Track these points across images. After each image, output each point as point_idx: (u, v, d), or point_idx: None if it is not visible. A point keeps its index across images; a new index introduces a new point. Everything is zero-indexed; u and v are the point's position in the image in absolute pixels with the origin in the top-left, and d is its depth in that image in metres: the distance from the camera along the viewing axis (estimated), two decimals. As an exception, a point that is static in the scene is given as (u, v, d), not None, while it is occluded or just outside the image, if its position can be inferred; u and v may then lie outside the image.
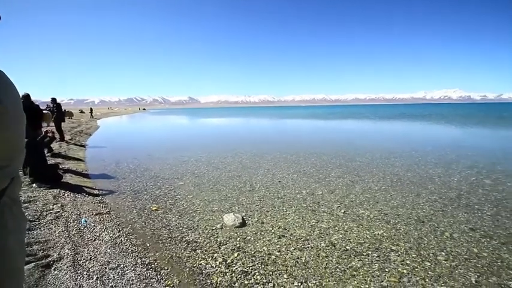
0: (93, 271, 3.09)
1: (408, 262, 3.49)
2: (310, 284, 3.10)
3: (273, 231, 4.45)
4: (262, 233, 4.36)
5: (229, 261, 3.58)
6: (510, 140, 14.85)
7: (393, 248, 3.84)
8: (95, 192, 6.27)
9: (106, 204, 5.53)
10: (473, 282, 3.08)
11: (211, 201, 5.83)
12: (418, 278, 3.16)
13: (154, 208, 5.40)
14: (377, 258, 3.59)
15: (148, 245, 3.97)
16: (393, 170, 8.18)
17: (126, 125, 33.30)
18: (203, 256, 3.68)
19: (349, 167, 8.78)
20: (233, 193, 6.36)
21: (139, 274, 3.16)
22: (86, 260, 3.32)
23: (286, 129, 25.00)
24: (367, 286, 3.05)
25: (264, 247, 3.93)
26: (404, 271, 3.30)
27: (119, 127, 29.84)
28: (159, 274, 3.22)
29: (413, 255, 3.63)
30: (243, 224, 4.69)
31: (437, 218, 4.81)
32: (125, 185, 6.98)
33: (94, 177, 7.65)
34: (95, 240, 3.89)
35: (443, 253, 3.68)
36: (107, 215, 4.95)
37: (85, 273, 3.05)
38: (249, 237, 4.23)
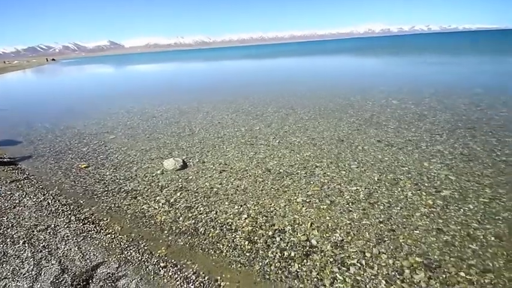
0: (18, 236, 2.83)
1: (329, 173, 4.08)
2: (248, 205, 3.43)
3: (214, 168, 4.59)
4: (204, 171, 4.48)
5: (172, 200, 3.66)
6: (417, 67, 17.11)
7: (317, 164, 4.40)
8: (5, 160, 5.36)
9: (22, 170, 4.83)
10: (376, 180, 3.81)
11: (149, 150, 5.58)
12: (335, 184, 3.76)
13: (83, 166, 4.94)
14: (304, 175, 4.09)
15: (81, 201, 3.74)
16: (321, 101, 8.84)
17: (33, 81, 27.50)
18: (145, 201, 3.67)
19: (283, 101, 9.14)
20: (172, 139, 6.16)
21: (74, 230, 3.02)
22: (7, 228, 2.99)
23: (224, 72, 24.05)
24: (296, 197, 3.52)
25: (206, 183, 4.08)
26: (326, 181, 3.88)
27: (25, 84, 24.51)
28: (98, 225, 3.14)
29: (333, 168, 4.24)
30: (184, 166, 4.69)
31: (353, 136, 5.56)
32: (43, 147, 6.10)
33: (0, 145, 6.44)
34: (14, 207, 3.47)
35: (355, 162, 4.37)
36: (26, 180, 4.37)
37: (8, 240, 2.78)
38: (191, 177, 4.31)
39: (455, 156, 4.25)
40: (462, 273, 2.23)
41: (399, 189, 3.52)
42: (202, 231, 2.99)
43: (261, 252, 2.64)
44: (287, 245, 2.70)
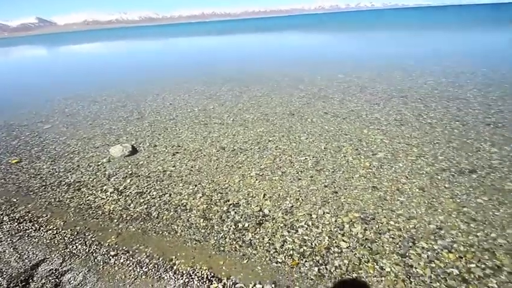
0: None
1: (281, 146, 4.21)
2: (203, 184, 3.41)
3: (166, 151, 4.41)
4: (156, 155, 4.27)
5: (121, 188, 3.45)
6: (360, 42, 18.02)
7: (270, 139, 4.50)
8: None
9: None
10: (323, 148, 4.05)
11: (92, 137, 5.11)
12: (286, 156, 3.91)
13: (14, 161, 4.35)
14: (258, 150, 4.16)
15: (15, 200, 3.32)
16: (274, 77, 8.89)
17: None
18: (90, 192, 3.40)
19: (238, 79, 8.98)
20: (118, 124, 5.70)
21: (8, 230, 2.70)
22: None
23: (174, 51, 22.58)
24: (249, 172, 3.59)
25: (158, 167, 3.92)
26: (278, 153, 4.00)
27: None
28: (37, 223, 2.84)
29: (285, 141, 4.39)
30: (133, 151, 4.41)
31: (304, 109, 5.76)
32: (-41, 143, 5.18)
33: None
34: None
35: (305, 134, 4.57)
36: None
37: None
38: (142, 162, 4.09)
39: (389, 122, 4.69)
40: (392, 222, 2.54)
41: (342, 155, 3.80)
42: (156, 215, 2.91)
43: (216, 227, 2.67)
44: (241, 217, 2.77)
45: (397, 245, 2.29)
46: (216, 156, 4.10)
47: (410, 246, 2.26)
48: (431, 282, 1.95)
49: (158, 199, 3.19)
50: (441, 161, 3.42)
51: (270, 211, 2.84)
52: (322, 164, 3.64)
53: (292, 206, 2.88)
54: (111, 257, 2.37)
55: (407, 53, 11.80)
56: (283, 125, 5.03)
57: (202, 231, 2.64)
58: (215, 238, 2.53)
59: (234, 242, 2.45)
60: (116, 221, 2.88)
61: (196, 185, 3.40)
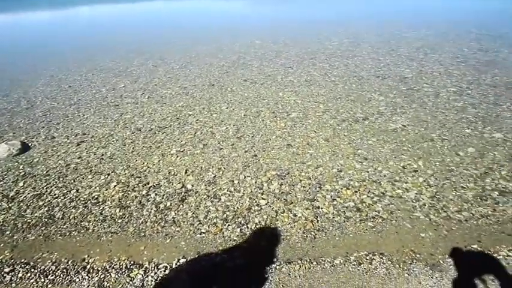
0: None
1: (201, 119, 4.06)
2: (118, 171, 3.07)
3: (69, 141, 3.76)
4: (55, 148, 3.61)
5: (12, 194, 2.84)
6: (274, 7, 18.09)
7: (190, 113, 4.28)
8: None
9: None
10: (243, 116, 4.07)
11: (-39, 139, 3.97)
12: (207, 128, 3.81)
13: None
14: (177, 126, 3.93)
15: None
16: (192, 47, 8.29)
17: None
18: (-35, 206, 2.70)
19: (151, 52, 8.07)
20: (1, 119, 4.56)
21: None
22: None
23: (66, 21, 18.68)
24: (169, 150, 3.39)
25: (59, 161, 3.34)
26: (198, 127, 3.86)
27: None
28: None
29: (205, 113, 4.24)
30: (24, 149, 3.63)
31: (223, 79, 5.61)
32: None
33: None
34: None
35: (225, 104, 4.50)
36: None
37: None
38: (37, 159, 3.41)
39: (301, 83, 4.98)
40: (303, 173, 2.80)
41: (261, 119, 3.91)
42: (61, 216, 2.52)
43: (135, 214, 2.48)
44: (163, 198, 2.64)
45: (307, 192, 2.55)
46: (130, 139, 3.71)
47: (318, 191, 2.55)
48: (333, 217, 2.26)
49: (62, 198, 2.75)
50: (342, 113, 3.85)
51: (192, 185, 2.78)
52: (242, 130, 3.68)
53: (215, 177, 2.87)
54: (6, 275, 1.99)
55: (318, 17, 12.46)
56: (204, 97, 4.83)
57: (119, 221, 2.42)
58: (134, 225, 2.36)
59: (156, 224, 2.34)
60: (8, 232, 2.39)
61: (109, 174, 3.04)
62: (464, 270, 1.76)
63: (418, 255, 1.88)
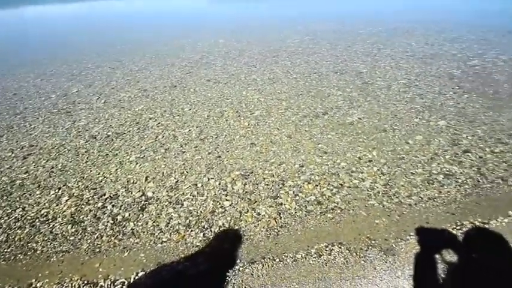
0: None
1: (163, 122, 3.90)
2: (70, 184, 2.84)
3: (13, 155, 3.40)
4: (-3, 164, 3.25)
5: None
6: (238, 5, 17.99)
7: (151, 116, 4.09)
8: None
9: None
10: (206, 117, 3.98)
11: None
12: (169, 131, 3.67)
13: None
14: (137, 131, 3.73)
15: None
16: (153, 48, 7.95)
17: None
18: None
19: (108, 54, 7.60)
20: None
21: None
22: None
23: (7, 19, 16.94)
24: (128, 157, 3.20)
25: (2, 178, 3.00)
26: (160, 130, 3.70)
27: None
28: None
29: (167, 116, 4.08)
30: (-42, 167, 3.21)
31: (186, 79, 5.45)
32: None
33: None
34: None
35: (188, 105, 4.37)
36: None
37: None
38: (-25, 178, 3.04)
39: (264, 82, 5.00)
40: (266, 171, 2.80)
41: (224, 119, 3.85)
42: (4, 239, 2.27)
43: (89, 229, 2.31)
44: (120, 209, 2.48)
45: (271, 190, 2.56)
46: (84, 148, 3.45)
47: (281, 188, 2.57)
48: (295, 213, 2.29)
49: (6, 218, 2.47)
50: (303, 109, 3.94)
51: (153, 193, 2.65)
52: (205, 132, 3.60)
53: (177, 181, 2.77)
54: None
55: (281, 15, 12.61)
56: (165, 99, 4.65)
57: (72, 238, 2.23)
58: (88, 241, 2.19)
59: (113, 238, 2.20)
60: None
61: (60, 188, 2.79)
62: (424, 248, 1.89)
63: (373, 242, 1.98)
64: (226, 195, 2.55)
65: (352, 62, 5.60)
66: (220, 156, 3.09)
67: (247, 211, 2.34)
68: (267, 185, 2.62)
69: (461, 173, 2.58)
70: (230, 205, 2.43)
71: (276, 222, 2.22)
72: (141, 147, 3.39)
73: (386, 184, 2.51)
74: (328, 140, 3.22)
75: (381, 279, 1.68)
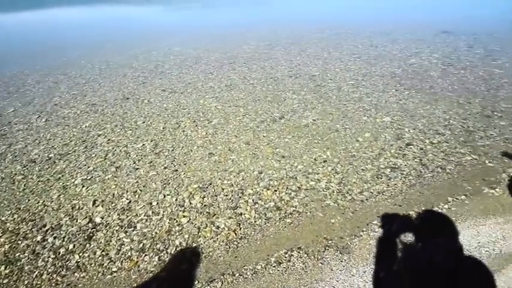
0: None
1: (114, 138, 3.62)
2: (3, 218, 2.47)
3: None
4: None
5: None
6: (193, 12, 17.73)
7: (100, 132, 3.78)
8: None
9: None
10: (161, 129, 3.79)
11: None
12: (121, 147, 3.41)
13: None
14: (84, 150, 3.41)
15: None
16: (103, 58, 7.43)
17: None
18: None
19: (51, 67, 6.90)
20: None
21: None
22: None
23: None
24: (73, 180, 2.90)
25: None
26: (110, 147, 3.43)
27: None
28: None
29: (118, 131, 3.80)
30: None
31: (139, 90, 5.16)
32: None
33: None
34: None
35: (142, 118, 4.12)
36: None
37: None
38: None
39: (222, 89, 4.94)
40: (225, 181, 2.73)
41: (181, 130, 3.70)
42: None
43: (26, 267, 2.02)
44: (64, 240, 2.22)
45: (230, 200, 2.49)
46: (22, 174, 3.05)
47: (240, 197, 2.52)
48: (255, 221, 2.26)
49: None
50: (261, 114, 3.95)
51: (102, 218, 2.42)
52: (161, 145, 3.42)
53: (129, 202, 2.57)
54: None
55: (238, 22, 12.67)
56: (116, 113, 4.33)
57: (5, 281, 1.93)
58: (26, 282, 1.91)
59: (55, 275, 1.94)
60: None
61: (-11, 224, 2.43)
62: (376, 241, 1.96)
63: (329, 242, 2.01)
64: (184, 211, 2.42)
65: (305, 65, 5.80)
66: (177, 170, 2.94)
67: (206, 226, 2.24)
68: (226, 195, 2.55)
69: (405, 165, 2.77)
70: (188, 221, 2.31)
71: (235, 234, 2.15)
72: (88, 167, 3.10)
73: (340, 182, 2.60)
74: (286, 143, 3.26)
75: (337, 279, 1.70)
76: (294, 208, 2.35)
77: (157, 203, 2.52)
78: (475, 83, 4.56)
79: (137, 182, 2.82)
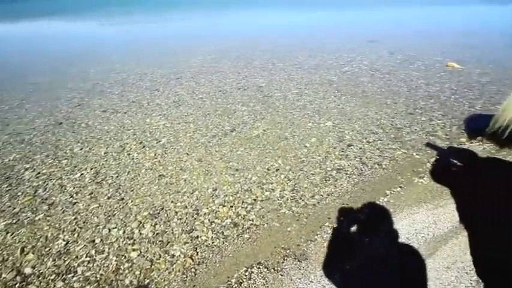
0: None
1: (44, 171, 3.15)
2: None
3: None
4: None
5: None
6: (135, 27, 16.91)
7: (27, 166, 3.25)
8: None
9: None
10: (103, 154, 3.43)
11: None
12: (54, 180, 2.97)
13: None
14: (7, 189, 2.89)
15: None
16: (31, 79, 6.53)
17: None
18: None
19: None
20: None
21: None
22: None
23: None
24: (-8, 228, 2.42)
25: None
26: (40, 183, 2.96)
27: None
28: None
29: (50, 162, 3.32)
30: None
31: (75, 113, 4.63)
32: None
33: None
34: None
35: (79, 144, 3.69)
36: None
37: None
38: None
39: (169, 105, 4.73)
40: (178, 204, 2.57)
41: (126, 154, 3.40)
42: None
43: None
44: (-20, 305, 1.81)
45: (185, 224, 2.34)
46: None
47: (195, 218, 2.39)
48: (213, 242, 2.15)
49: None
50: (212, 129, 3.87)
51: (34, 267, 2.05)
52: (103, 173, 3.08)
53: (67, 243, 2.23)
54: None
55: (182, 35, 12.43)
56: (47, 141, 3.80)
57: None
58: None
59: None
60: None
61: None
62: (327, 244, 2.02)
63: (287, 251, 2.02)
64: (133, 243, 2.19)
65: (252, 77, 5.92)
66: (123, 199, 2.67)
67: (160, 256, 2.06)
68: (180, 219, 2.40)
69: (348, 165, 2.97)
70: (139, 255, 2.09)
71: (192, 260, 2.02)
72: (14, 209, 2.62)
73: (293, 189, 2.66)
74: (238, 156, 3.23)
75: (297, 289, 1.71)
76: (251, 222, 2.31)
77: (101, 240, 2.24)
78: (398, 85, 5.20)
79: (75, 218, 2.47)
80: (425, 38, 9.16)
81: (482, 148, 3.14)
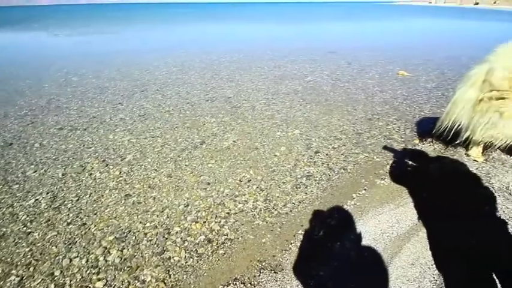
0: None
1: (-11, 200, 2.78)
2: None
3: None
4: None
5: None
6: (97, 40, 16.03)
7: (-34, 196, 2.85)
8: None
9: None
10: (61, 176, 3.13)
11: None
12: (4, 209, 2.62)
13: None
14: None
15: None
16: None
17: None
18: None
19: None
20: None
21: None
22: None
23: None
24: None
25: None
26: (-16, 214, 2.60)
27: None
28: None
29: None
30: None
31: (27, 132, 4.19)
32: None
33: None
34: None
35: (32, 166, 3.32)
36: None
37: None
38: None
39: (134, 120, 4.51)
40: (147, 224, 2.42)
41: (87, 174, 3.15)
42: None
43: None
44: None
45: (155, 245, 2.22)
46: None
47: (166, 238, 2.27)
48: (186, 262, 2.06)
49: None
50: (180, 142, 3.76)
51: (-24, 314, 1.77)
52: (61, 196, 2.80)
53: (21, 279, 1.95)
54: None
55: (145, 47, 12.05)
56: (-7, 165, 3.37)
57: None
58: None
59: None
60: None
61: None
62: (299, 252, 2.04)
63: (263, 263, 2.01)
64: (99, 272, 2.01)
65: (220, 88, 5.92)
66: (85, 224, 2.45)
67: (129, 284, 1.91)
68: (150, 240, 2.26)
69: (317, 171, 3.08)
70: (105, 285, 1.91)
71: (165, 284, 1.90)
72: (-50, 247, 2.26)
73: (266, 199, 2.67)
74: (210, 169, 3.17)
75: (275, 301, 1.69)
76: (226, 236, 2.27)
77: (62, 272, 2.02)
78: (356, 93, 5.57)
79: (31, 250, 2.20)
80: (378, 51, 10.00)
81: (432, 148, 3.48)
